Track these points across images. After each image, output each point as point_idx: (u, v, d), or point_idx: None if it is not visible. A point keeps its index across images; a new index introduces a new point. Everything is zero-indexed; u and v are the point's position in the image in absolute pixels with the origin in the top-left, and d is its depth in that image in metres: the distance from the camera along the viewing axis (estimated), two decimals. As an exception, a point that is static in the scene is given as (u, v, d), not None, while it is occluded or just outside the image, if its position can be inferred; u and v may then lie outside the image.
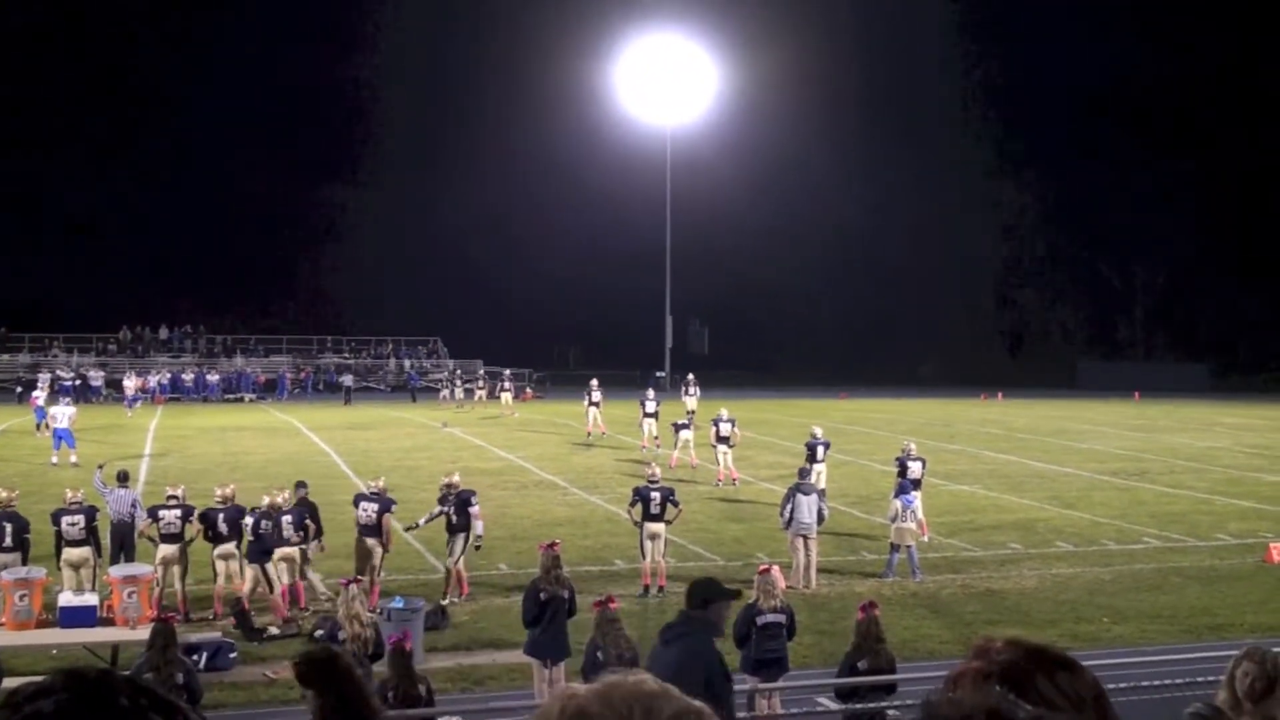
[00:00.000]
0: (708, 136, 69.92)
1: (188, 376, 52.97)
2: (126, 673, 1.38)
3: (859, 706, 9.38)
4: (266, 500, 14.32)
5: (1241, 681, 5.02)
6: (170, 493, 14.58)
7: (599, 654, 9.32)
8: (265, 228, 73.48)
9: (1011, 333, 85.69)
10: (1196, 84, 73.67)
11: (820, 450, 21.34)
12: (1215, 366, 70.68)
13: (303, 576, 14.62)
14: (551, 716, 1.20)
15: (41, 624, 11.98)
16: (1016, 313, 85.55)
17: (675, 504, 15.60)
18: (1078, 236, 78.16)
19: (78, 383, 47.02)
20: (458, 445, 32.20)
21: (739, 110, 72.03)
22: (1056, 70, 76.31)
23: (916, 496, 16.76)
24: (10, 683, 9.64)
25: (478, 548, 15.39)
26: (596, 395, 32.76)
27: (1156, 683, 9.74)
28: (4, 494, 13.90)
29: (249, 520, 13.99)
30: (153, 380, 50.15)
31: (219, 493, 14.57)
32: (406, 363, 62.44)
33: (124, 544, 14.56)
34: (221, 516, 14.19)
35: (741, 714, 9.20)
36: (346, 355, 64.10)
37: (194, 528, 14.19)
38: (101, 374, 52.24)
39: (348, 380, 52.50)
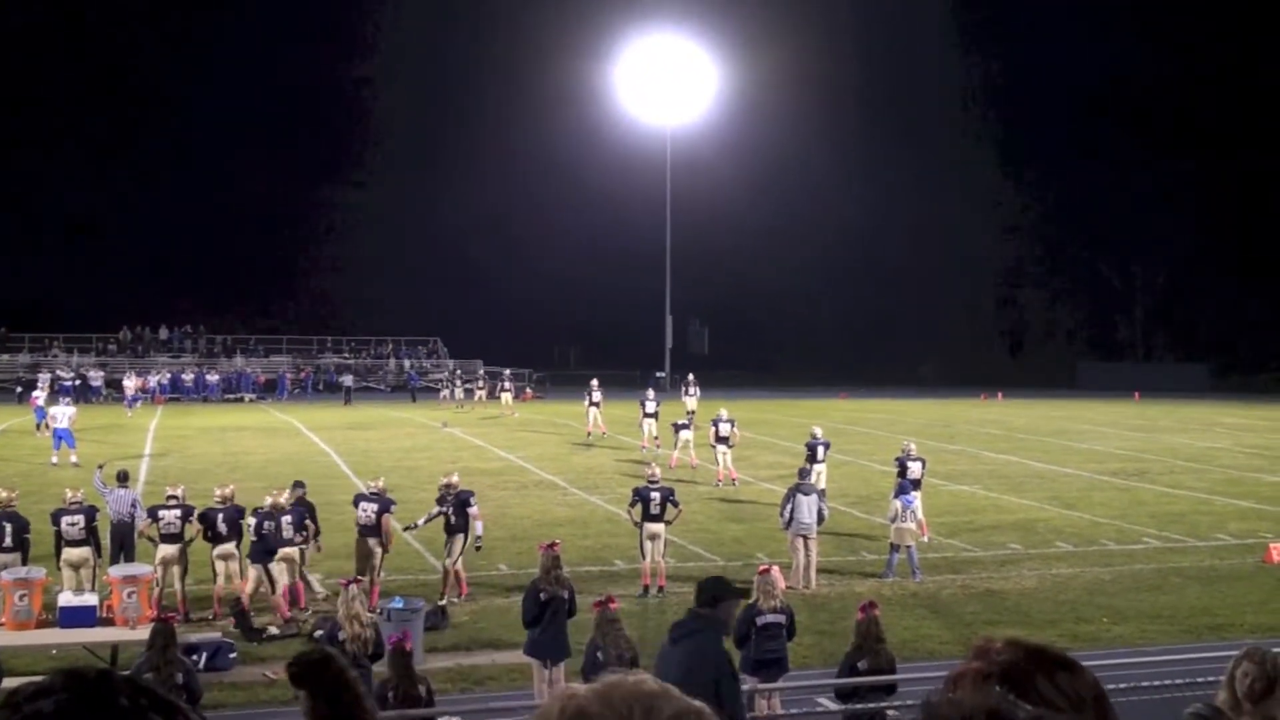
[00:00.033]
0: (708, 136, 69.94)
1: (188, 376, 52.97)
2: (126, 673, 1.38)
3: (859, 707, 9.38)
4: (269, 500, 14.31)
5: (1241, 682, 5.02)
6: (170, 493, 14.58)
7: (599, 654, 9.32)
8: (265, 228, 73.50)
9: (1011, 333, 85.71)
10: (1196, 84, 73.66)
11: (820, 450, 21.34)
12: (1215, 366, 70.70)
13: (301, 577, 14.62)
14: (551, 716, 1.20)
15: (41, 624, 11.98)
16: (1016, 313, 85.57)
17: (675, 504, 15.59)
18: (1078, 236, 78.16)
19: (77, 383, 47.02)
20: (458, 445, 32.20)
21: (739, 110, 72.07)
22: (1056, 70, 76.32)
23: (916, 497, 16.76)
24: (10, 683, 9.64)
25: (478, 548, 15.39)
26: (597, 395, 32.76)
27: (1156, 683, 9.74)
28: (4, 494, 13.90)
29: (252, 520, 13.97)
30: (153, 380, 50.16)
31: (218, 493, 14.56)
32: (406, 363, 62.45)
33: (124, 544, 14.56)
34: (221, 516, 14.19)
35: (741, 714, 9.19)
36: (346, 355, 64.11)
37: (194, 528, 14.19)
38: (101, 374, 52.24)
39: (348, 380, 52.51)
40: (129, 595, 12.17)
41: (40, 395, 34.73)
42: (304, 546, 14.68)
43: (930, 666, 11.40)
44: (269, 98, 73.82)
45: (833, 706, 10.05)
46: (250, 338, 64.52)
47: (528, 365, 60.74)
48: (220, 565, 14.16)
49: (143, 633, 10.49)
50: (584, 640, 10.07)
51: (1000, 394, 56.12)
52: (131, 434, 34.31)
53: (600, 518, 20.73)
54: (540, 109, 75.96)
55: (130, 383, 45.09)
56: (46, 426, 29.77)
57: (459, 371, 55.42)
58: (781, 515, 16.14)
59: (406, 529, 15.38)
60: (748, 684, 9.72)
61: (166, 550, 13.89)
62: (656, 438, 29.50)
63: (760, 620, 10.17)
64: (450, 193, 75.64)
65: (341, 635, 9.52)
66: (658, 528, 15.26)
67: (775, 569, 11.02)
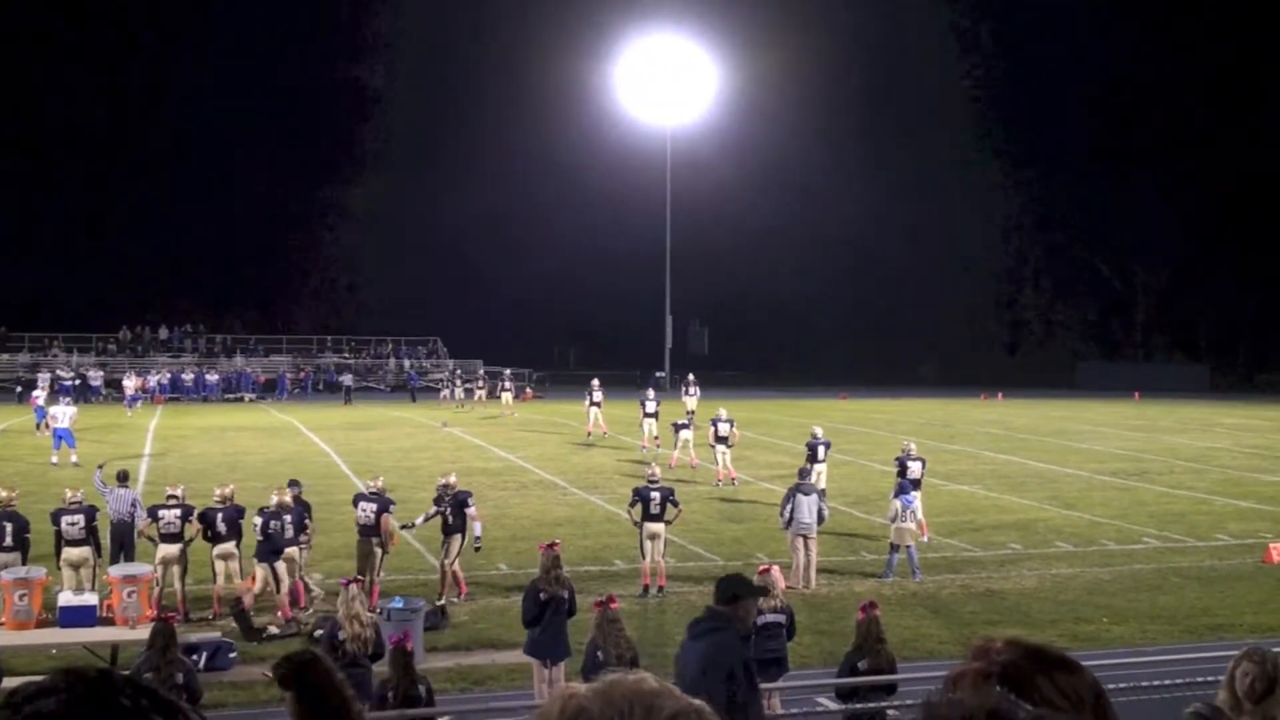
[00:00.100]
0: (708, 136, 69.96)
1: (188, 376, 52.96)
2: (126, 672, 1.38)
3: (859, 706, 9.38)
4: (275, 499, 14.30)
5: (1241, 681, 5.02)
6: (170, 492, 14.58)
7: (599, 654, 9.32)
8: (265, 227, 73.50)
9: (1011, 333, 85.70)
10: (1196, 84, 73.68)
11: (821, 450, 21.35)
12: (1215, 366, 70.71)
13: (299, 577, 14.62)
14: (552, 716, 1.20)
15: (41, 624, 11.98)
16: (1016, 313, 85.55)
17: (675, 504, 15.59)
18: (1078, 236, 78.16)
19: (77, 382, 47.01)
20: (458, 445, 32.20)
21: (739, 110, 72.08)
22: (1056, 70, 76.35)
23: (916, 496, 16.76)
24: (10, 682, 9.64)
25: (477, 549, 15.39)
26: (598, 395, 32.75)
27: (1156, 683, 9.74)
28: (4, 493, 13.89)
29: (258, 519, 13.97)
30: (152, 380, 50.16)
31: (218, 492, 14.56)
32: (406, 362, 62.45)
33: (124, 544, 14.56)
34: (221, 516, 14.18)
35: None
36: (346, 355, 64.12)
37: (193, 527, 14.18)
38: (101, 374, 52.25)
39: (348, 380, 52.52)
40: (129, 595, 12.17)
41: (40, 395, 34.74)
42: (305, 546, 14.68)
43: (930, 666, 11.40)
44: (269, 98, 73.88)
45: (833, 706, 10.04)
46: (250, 337, 64.53)
47: (528, 365, 60.76)
48: (220, 565, 14.16)
49: (143, 632, 10.49)
50: (584, 640, 10.07)
51: (1000, 394, 56.13)
52: (131, 434, 34.31)
53: (600, 517, 20.73)
54: (540, 109, 76.02)
55: (130, 382, 45.09)
56: (46, 426, 29.77)
57: (459, 371, 55.42)
58: (781, 515, 16.14)
59: (404, 527, 15.37)
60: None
61: (166, 550, 13.89)
62: (657, 437, 29.50)
63: (760, 620, 10.16)
64: (450, 193, 75.67)
65: (342, 635, 9.52)
66: (658, 527, 15.26)
67: (775, 569, 11.02)
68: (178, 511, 14.10)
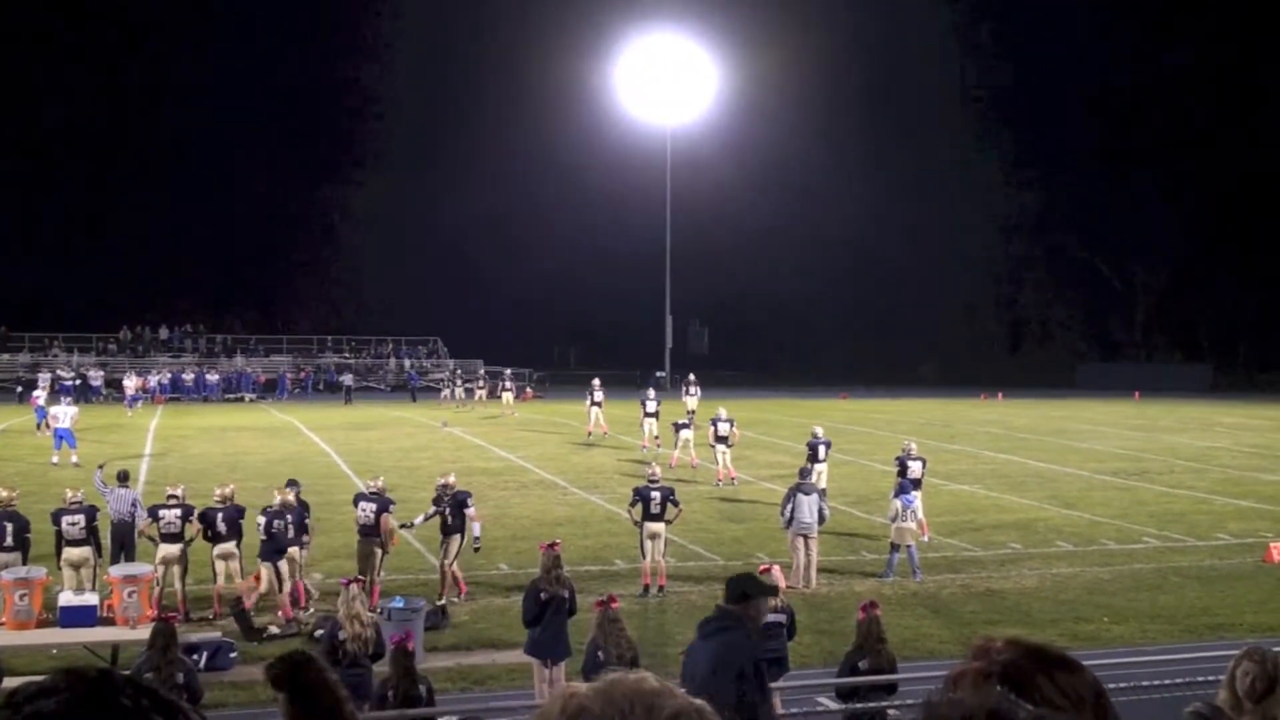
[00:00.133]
0: (708, 136, 69.98)
1: (188, 376, 52.98)
2: (127, 672, 1.38)
3: (859, 706, 9.38)
4: (279, 498, 14.30)
5: (1242, 681, 5.02)
6: (170, 492, 14.57)
7: (600, 654, 9.32)
8: (265, 228, 73.55)
9: (1011, 333, 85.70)
10: (1196, 84, 73.68)
11: (822, 450, 21.35)
12: (1215, 366, 70.71)
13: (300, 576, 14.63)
14: (552, 715, 1.20)
15: (41, 623, 11.98)
16: (1016, 313, 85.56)
17: (675, 504, 15.59)
18: (1078, 236, 78.19)
19: (78, 382, 47.01)
20: (458, 445, 32.20)
21: (739, 110, 72.11)
22: (1057, 70, 76.37)
23: (917, 496, 16.76)
24: (10, 682, 9.64)
25: (476, 549, 15.39)
26: (599, 395, 32.74)
27: (1156, 682, 9.74)
28: (4, 493, 13.89)
29: (261, 519, 13.96)
30: (153, 380, 50.16)
31: (218, 492, 14.56)
32: (406, 362, 62.47)
33: (124, 544, 14.56)
34: (221, 516, 14.18)
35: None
36: (346, 355, 64.13)
37: (193, 527, 14.18)
38: (101, 374, 52.26)
39: (348, 380, 52.52)
40: (129, 595, 12.17)
41: (41, 395, 34.73)
42: (305, 546, 14.69)
43: (930, 666, 11.40)
44: (269, 98, 73.94)
45: (833, 706, 10.04)
46: (250, 337, 64.54)
47: (528, 365, 60.79)
48: (220, 565, 14.16)
49: (143, 632, 10.49)
50: (584, 640, 10.07)
51: (1000, 394, 56.13)
52: (132, 434, 34.31)
53: (600, 517, 20.73)
54: (540, 109, 76.06)
55: (130, 382, 45.10)
56: (47, 426, 29.79)
57: (459, 371, 55.43)
58: (782, 514, 16.14)
59: (403, 527, 15.38)
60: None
61: (167, 550, 13.89)
62: (657, 437, 29.50)
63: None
64: (450, 193, 75.71)
65: (342, 635, 9.52)
66: (658, 527, 15.26)
67: (776, 568, 11.03)
68: (178, 511, 14.10)
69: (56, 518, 13.71)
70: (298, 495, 15.08)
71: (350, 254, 76.97)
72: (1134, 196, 74.42)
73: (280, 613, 13.77)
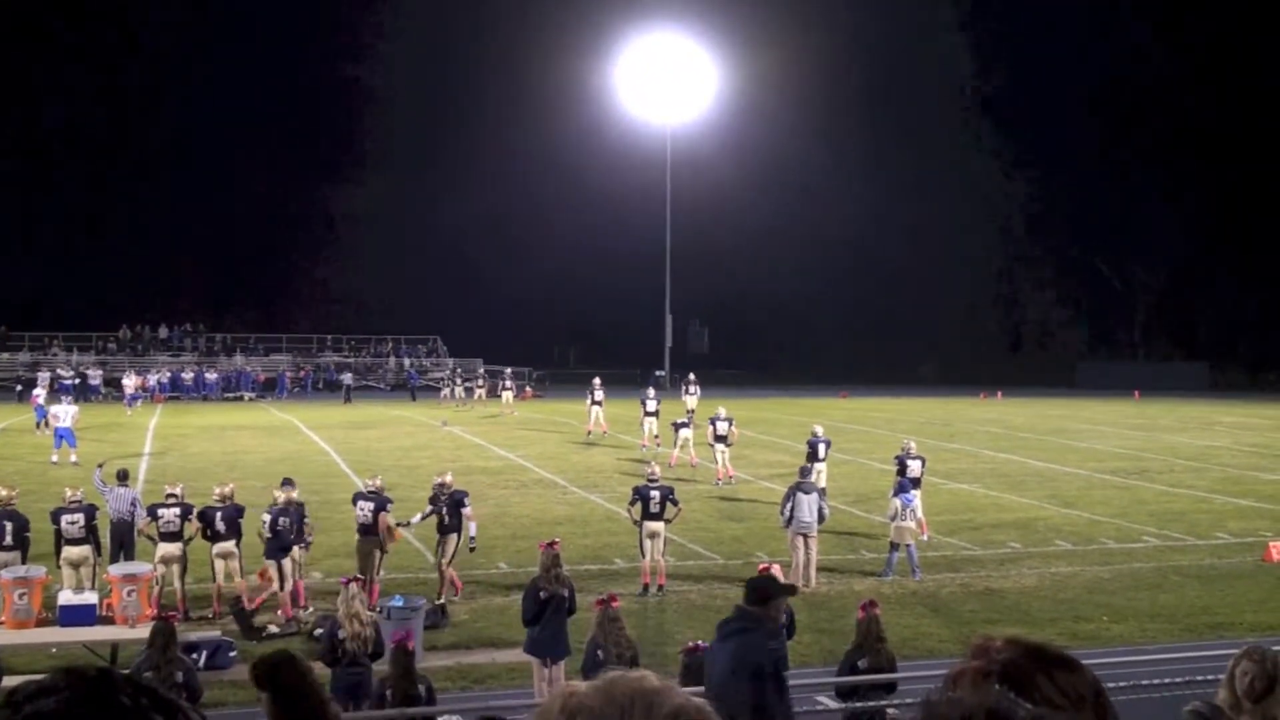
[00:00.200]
0: (708, 136, 69.94)
1: (187, 375, 52.98)
2: (126, 671, 1.38)
3: (859, 705, 9.38)
4: (282, 497, 14.30)
5: (1241, 680, 5.02)
6: (169, 491, 14.57)
7: (599, 652, 9.32)
8: (265, 227, 73.50)
9: (1011, 333, 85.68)
10: (1196, 84, 73.67)
11: (822, 449, 21.36)
12: (1215, 366, 70.71)
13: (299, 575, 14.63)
14: (552, 713, 1.20)
15: (41, 622, 11.98)
16: (1016, 313, 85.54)
17: (675, 503, 15.59)
18: (1078, 236, 78.19)
19: (77, 381, 47.01)
20: (458, 444, 32.20)
21: (739, 110, 72.08)
22: (1057, 70, 76.32)
23: (916, 495, 16.76)
24: (10, 681, 9.64)
25: (472, 549, 15.39)
26: (599, 394, 32.74)
27: (1156, 681, 9.75)
28: (4, 492, 13.90)
29: (266, 517, 13.97)
30: (152, 379, 50.16)
31: (218, 491, 14.56)
32: (406, 361, 62.47)
33: (123, 542, 14.56)
34: (220, 515, 14.18)
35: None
36: (346, 354, 64.11)
37: (193, 526, 14.19)
38: (100, 373, 52.25)
39: (347, 379, 52.52)
40: (129, 594, 12.16)
41: (41, 394, 34.74)
42: (304, 546, 14.69)
43: (930, 665, 11.41)
44: (268, 97, 73.89)
45: (833, 705, 10.04)
46: (250, 336, 64.51)
47: (527, 364, 60.78)
48: (219, 564, 14.16)
49: (143, 631, 10.49)
50: (584, 639, 10.08)
51: (1000, 393, 56.13)
52: (131, 432, 34.31)
53: (600, 516, 20.73)
54: (540, 109, 76.00)
55: (130, 381, 45.10)
56: (46, 425, 29.79)
57: (459, 370, 55.43)
58: (782, 513, 16.13)
59: (400, 525, 15.39)
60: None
61: (166, 549, 13.89)
62: (657, 436, 29.51)
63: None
64: (450, 193, 75.66)
65: (342, 634, 9.52)
66: (657, 526, 15.26)
67: (776, 567, 11.02)
68: (177, 510, 14.10)
69: (56, 517, 13.71)
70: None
71: (350, 254, 76.94)
72: (1134, 196, 74.40)
73: (280, 612, 13.77)
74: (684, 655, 8.94)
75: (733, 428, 25.14)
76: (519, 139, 75.67)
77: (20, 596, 11.84)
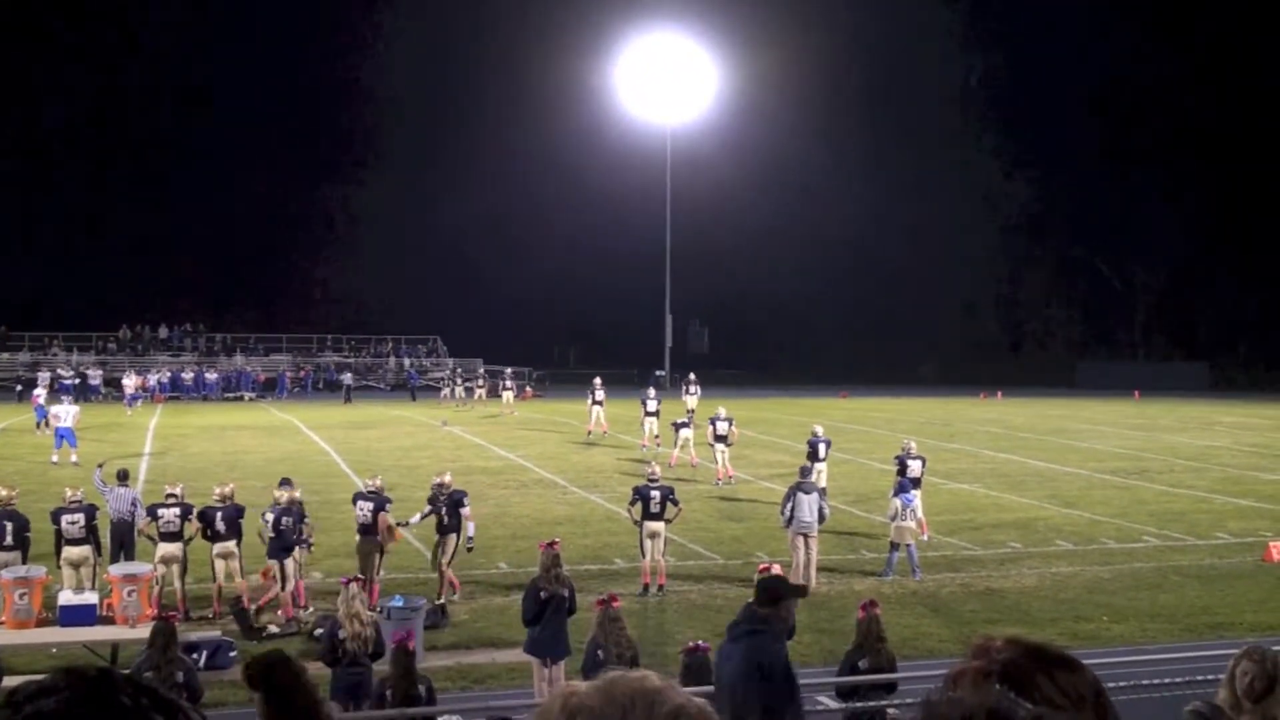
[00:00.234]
0: (708, 136, 69.95)
1: (187, 375, 52.98)
2: (126, 671, 1.38)
3: (859, 705, 9.38)
4: (286, 496, 14.30)
5: (1241, 680, 5.02)
6: (169, 491, 14.57)
7: (600, 653, 9.32)
8: (266, 227, 73.50)
9: (1011, 332, 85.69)
10: (1196, 84, 73.67)
11: (822, 448, 21.36)
12: (1215, 366, 70.72)
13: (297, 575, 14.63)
14: (552, 713, 1.20)
15: (41, 623, 11.97)
16: (1016, 313, 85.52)
17: (675, 503, 15.59)
18: (1078, 236, 78.17)
19: (77, 381, 47.01)
20: (458, 444, 32.21)
21: (739, 110, 72.08)
22: (1057, 69, 76.32)
23: (916, 495, 16.76)
24: (10, 681, 9.64)
25: (469, 549, 15.39)
26: (600, 394, 32.75)
27: (1156, 681, 9.75)
28: (4, 492, 13.89)
29: (269, 516, 13.96)
30: (152, 379, 50.16)
31: (218, 491, 14.56)
32: (406, 361, 62.47)
33: (124, 542, 14.56)
34: (220, 515, 14.18)
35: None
36: (346, 354, 64.11)
37: (193, 526, 14.19)
38: (100, 372, 52.24)
39: (347, 379, 52.52)
40: (129, 594, 12.16)
41: (41, 394, 34.75)
42: (305, 546, 14.69)
43: (930, 665, 11.40)
44: (269, 97, 73.90)
45: (833, 705, 10.04)
46: (250, 336, 64.51)
47: (527, 364, 60.79)
48: (220, 564, 14.16)
49: (143, 631, 10.49)
50: (584, 639, 10.07)
51: (1000, 393, 56.13)
52: (131, 433, 34.31)
53: (600, 516, 20.73)
54: (540, 109, 76.00)
55: (130, 381, 45.10)
56: (47, 425, 29.79)
57: (459, 370, 55.43)
58: (782, 513, 16.13)
59: (399, 525, 15.39)
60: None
61: (166, 549, 13.89)
62: (657, 436, 29.51)
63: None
64: (450, 193, 75.66)
65: (342, 634, 9.52)
66: (658, 526, 15.26)
67: (776, 567, 11.01)
68: (177, 510, 14.10)
69: (56, 517, 13.71)
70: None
71: (350, 254, 76.95)
72: (1134, 196, 74.38)
73: (281, 612, 13.77)
74: (684, 655, 8.93)
75: (733, 428, 25.14)
76: (519, 139, 75.74)
77: (20, 596, 11.84)
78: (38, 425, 31.98)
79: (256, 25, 74.62)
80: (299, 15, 73.58)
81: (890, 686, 9.53)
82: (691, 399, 34.49)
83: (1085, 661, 1.42)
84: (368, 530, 14.52)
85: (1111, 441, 34.22)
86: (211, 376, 53.77)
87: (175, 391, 51.15)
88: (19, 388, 47.47)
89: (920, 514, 16.75)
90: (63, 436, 26.81)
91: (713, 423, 25.00)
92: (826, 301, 78.30)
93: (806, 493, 15.89)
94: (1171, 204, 73.37)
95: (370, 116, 78.39)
